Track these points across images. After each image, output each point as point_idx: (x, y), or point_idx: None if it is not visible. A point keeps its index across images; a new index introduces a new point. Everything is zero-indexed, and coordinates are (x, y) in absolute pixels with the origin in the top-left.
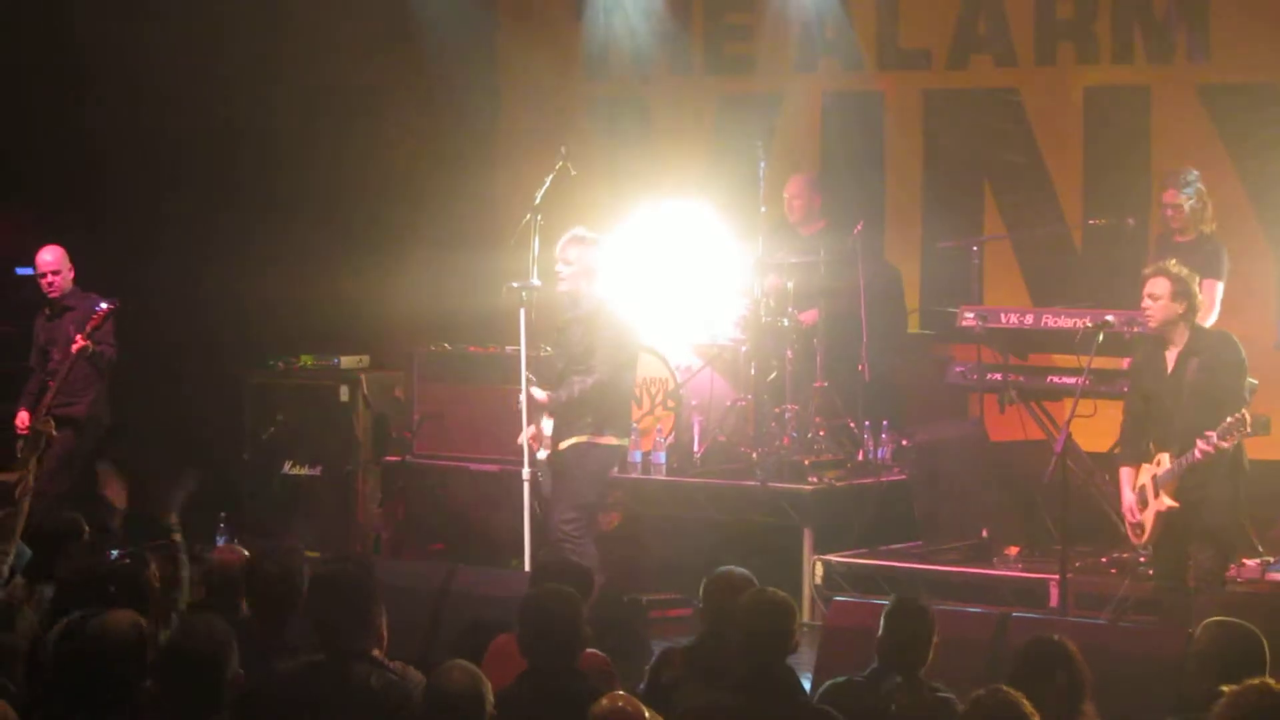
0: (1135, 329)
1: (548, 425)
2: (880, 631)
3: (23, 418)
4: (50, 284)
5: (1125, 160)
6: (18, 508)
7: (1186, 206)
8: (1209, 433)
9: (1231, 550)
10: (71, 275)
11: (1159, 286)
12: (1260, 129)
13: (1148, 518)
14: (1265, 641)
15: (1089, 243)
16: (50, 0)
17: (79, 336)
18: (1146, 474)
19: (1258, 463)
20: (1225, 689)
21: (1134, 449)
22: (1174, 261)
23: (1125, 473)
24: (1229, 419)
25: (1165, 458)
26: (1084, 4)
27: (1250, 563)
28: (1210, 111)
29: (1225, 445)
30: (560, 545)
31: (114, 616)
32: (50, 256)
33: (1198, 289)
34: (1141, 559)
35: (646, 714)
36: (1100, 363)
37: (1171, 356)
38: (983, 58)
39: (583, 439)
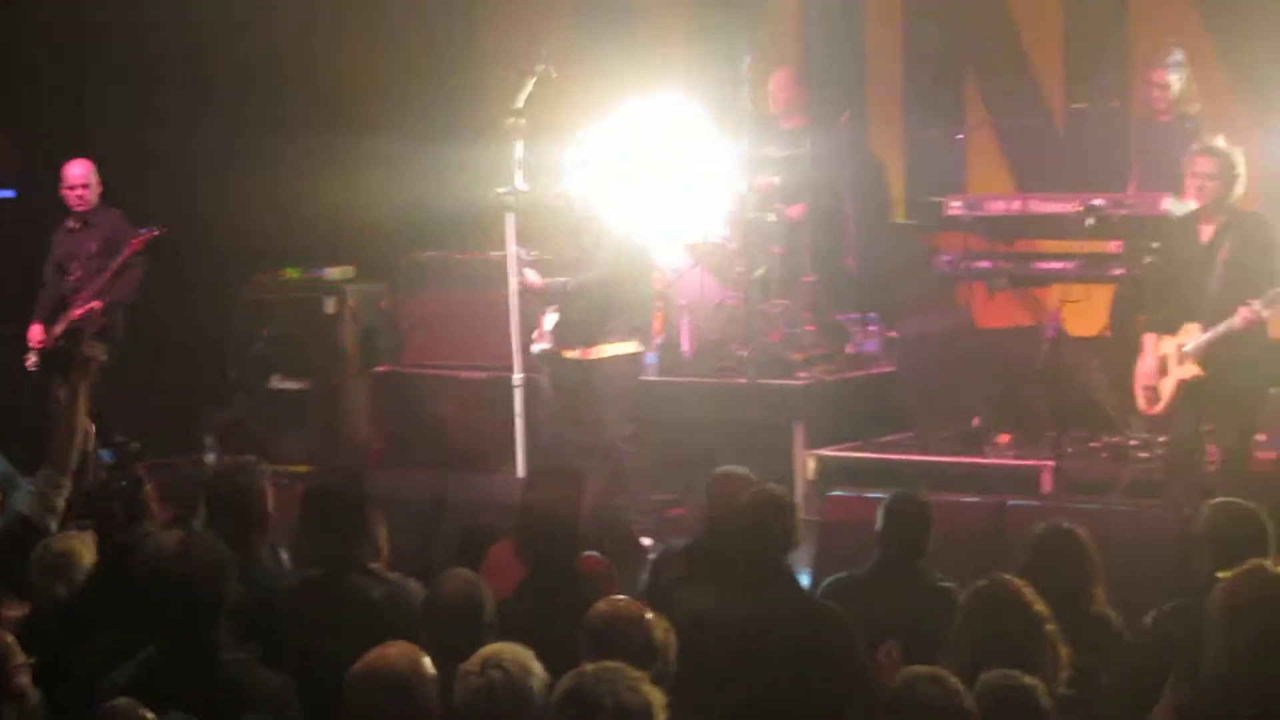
0: (1123, 211)
1: (550, 319)
2: (879, 525)
3: (37, 331)
4: (80, 198)
5: (1104, 43)
6: (72, 437)
7: (1174, 86)
8: (1252, 300)
9: (1251, 426)
10: (100, 191)
11: (1209, 165)
12: (1240, 7)
13: (1166, 386)
14: (1268, 522)
15: (1071, 127)
16: None
17: (94, 295)
18: (1171, 344)
19: None
20: (1221, 574)
21: (1159, 317)
22: (1221, 138)
23: (1149, 339)
24: (1276, 289)
25: (1194, 328)
26: None
27: None
28: None
29: (1266, 315)
30: (614, 459)
31: (166, 537)
32: (79, 170)
33: (1242, 166)
34: (1132, 442)
35: (648, 615)
36: (1089, 246)
37: (1208, 231)
38: None
39: (626, 349)
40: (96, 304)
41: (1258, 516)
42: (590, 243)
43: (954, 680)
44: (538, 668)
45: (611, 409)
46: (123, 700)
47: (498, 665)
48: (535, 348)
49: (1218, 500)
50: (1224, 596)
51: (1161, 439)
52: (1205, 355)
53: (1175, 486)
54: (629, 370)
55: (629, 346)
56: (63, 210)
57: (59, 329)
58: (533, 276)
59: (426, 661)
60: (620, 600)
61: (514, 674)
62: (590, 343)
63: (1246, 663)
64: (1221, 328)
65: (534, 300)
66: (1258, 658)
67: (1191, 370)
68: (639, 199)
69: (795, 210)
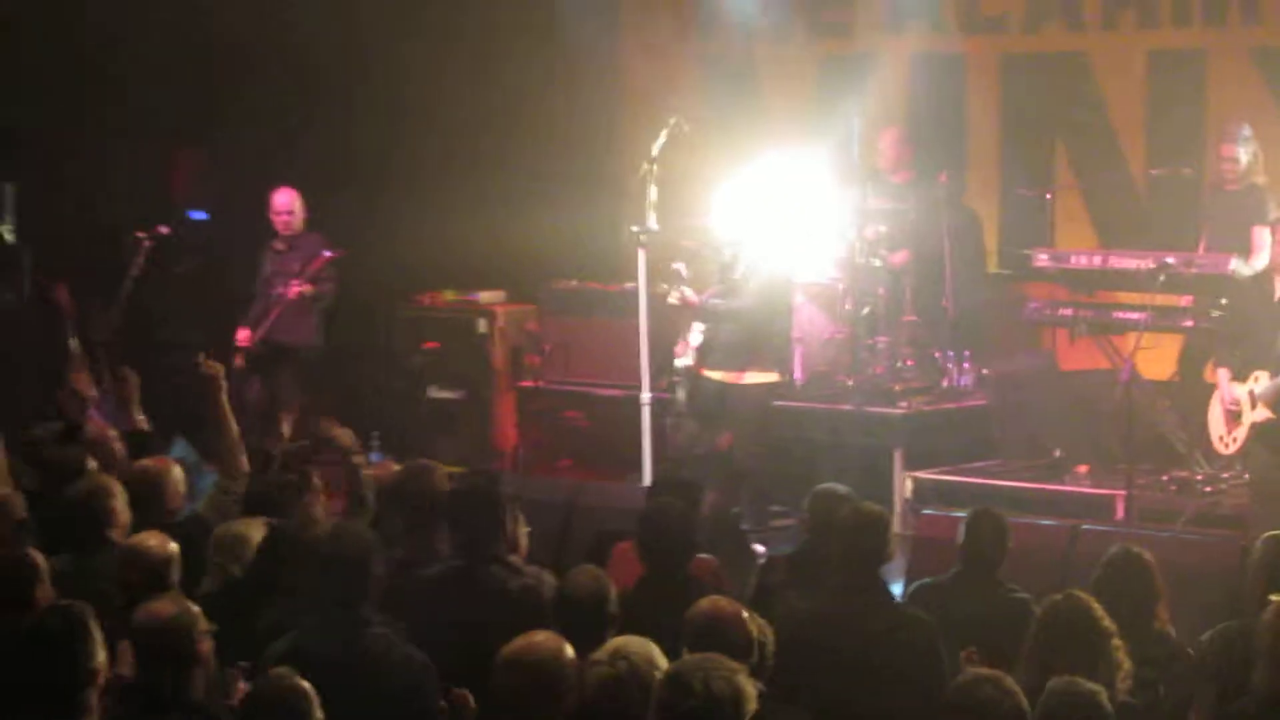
0: (1193, 270)
1: (696, 336)
2: (961, 538)
3: (244, 334)
4: (285, 223)
5: (1183, 117)
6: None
7: (1243, 159)
8: None
9: None
10: (305, 216)
11: None
12: None
13: (1241, 429)
14: None
15: (1150, 191)
16: None
17: (295, 283)
18: (1242, 389)
19: None
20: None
21: (1232, 359)
22: None
23: (1223, 379)
24: None
25: (1264, 375)
26: None
27: None
28: (1262, 72)
29: None
30: (735, 473)
31: (323, 524)
32: (285, 198)
33: None
34: (1199, 476)
35: (744, 614)
36: (1161, 299)
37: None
38: (1055, 23)
39: (769, 378)
40: (308, 287)
41: None
42: (740, 277)
43: (1011, 682)
44: (662, 661)
45: (744, 430)
46: (281, 669)
47: (625, 657)
48: (678, 361)
49: (1274, 533)
50: (1274, 618)
51: (1225, 475)
52: (1276, 399)
53: (1257, 520)
54: (766, 397)
55: (771, 376)
56: (253, 232)
57: (261, 333)
58: (690, 294)
59: (569, 649)
60: (720, 599)
61: (639, 666)
62: (739, 368)
63: None
64: None
65: (685, 316)
66: None
67: (1264, 413)
68: (771, 240)
69: (899, 257)
